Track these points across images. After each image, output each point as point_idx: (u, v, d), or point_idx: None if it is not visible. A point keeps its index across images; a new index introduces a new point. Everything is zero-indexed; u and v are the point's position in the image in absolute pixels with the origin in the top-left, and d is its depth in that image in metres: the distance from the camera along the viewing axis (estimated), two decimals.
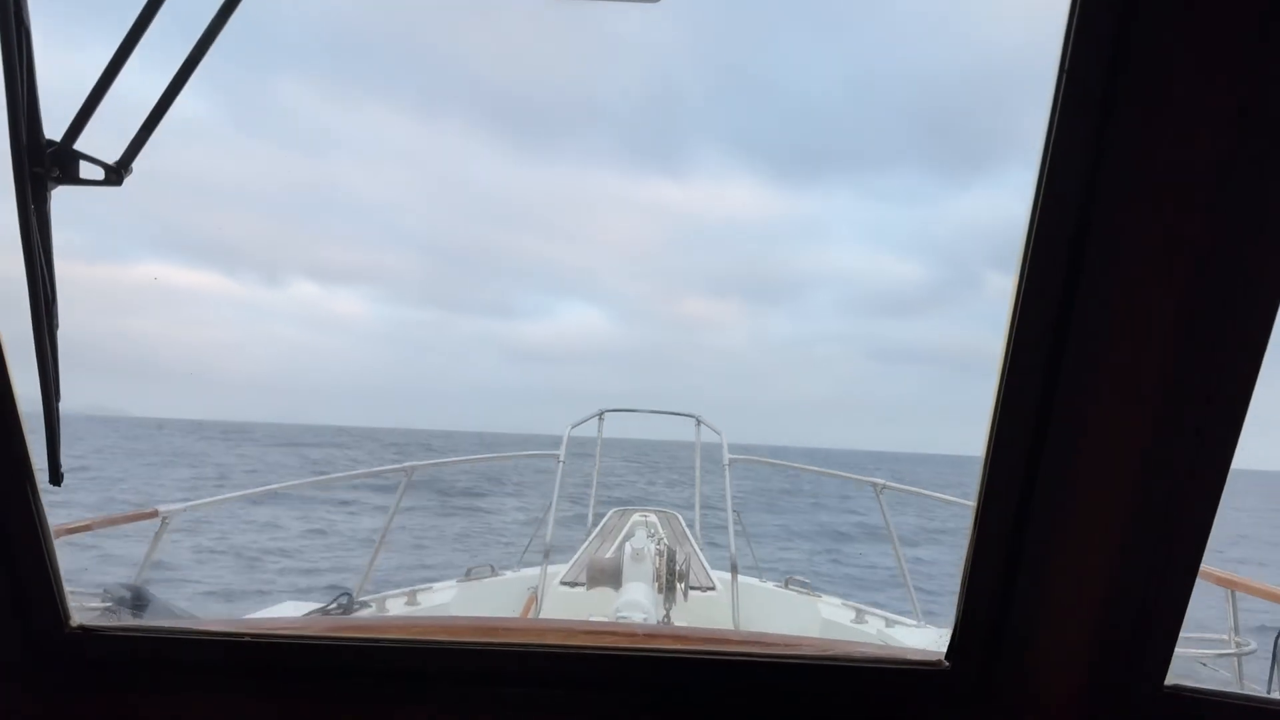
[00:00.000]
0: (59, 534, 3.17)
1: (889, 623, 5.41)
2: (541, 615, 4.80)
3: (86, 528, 3.47)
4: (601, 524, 6.79)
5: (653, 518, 6.44)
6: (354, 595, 4.93)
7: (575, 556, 5.89)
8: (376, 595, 5.33)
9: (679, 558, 4.40)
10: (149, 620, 2.89)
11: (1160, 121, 0.98)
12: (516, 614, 5.46)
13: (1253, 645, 4.41)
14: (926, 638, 4.99)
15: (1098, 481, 1.14)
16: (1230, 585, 4.42)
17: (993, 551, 1.21)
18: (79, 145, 1.16)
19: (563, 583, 5.19)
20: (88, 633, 1.31)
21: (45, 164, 1.14)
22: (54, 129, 1.15)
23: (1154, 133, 0.98)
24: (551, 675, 1.31)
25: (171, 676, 1.32)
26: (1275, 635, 3.99)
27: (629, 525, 6.04)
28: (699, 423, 7.10)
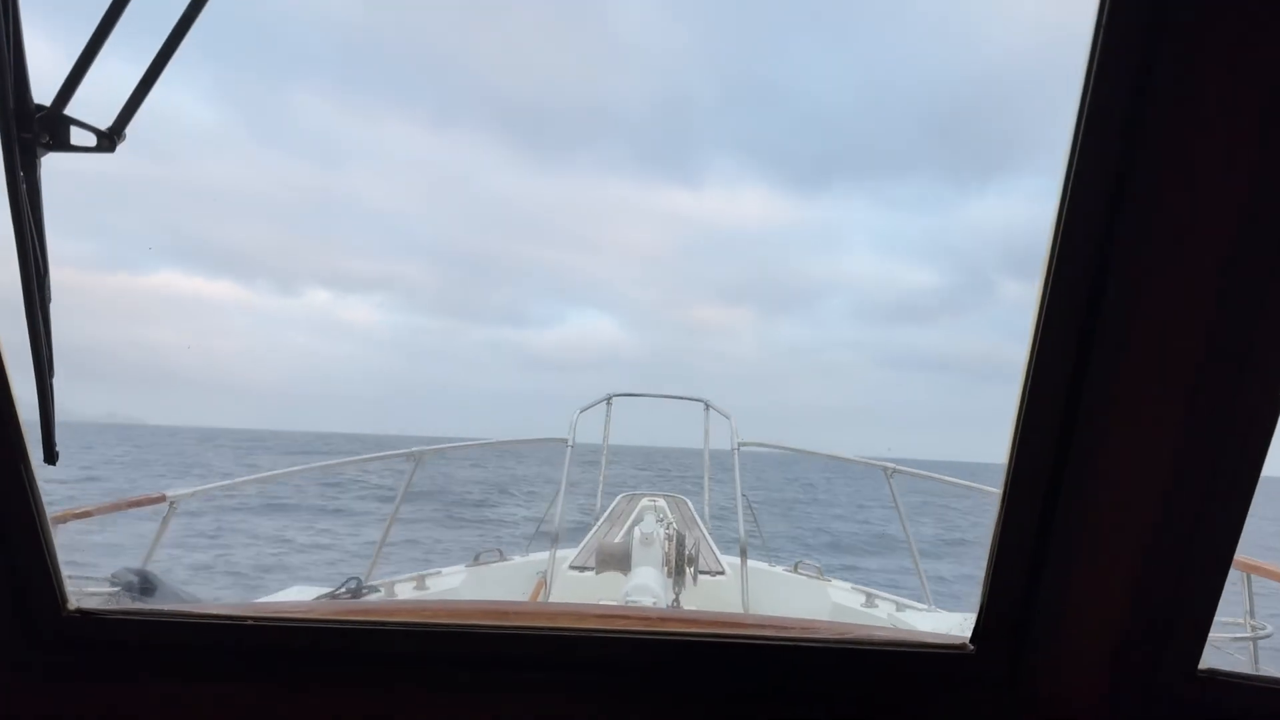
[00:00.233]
0: (63, 519, 3.16)
1: (900, 607, 5.36)
2: (551, 599, 4.77)
3: (88, 514, 3.42)
4: (610, 508, 6.78)
5: (661, 502, 6.41)
6: (363, 580, 4.91)
7: (584, 541, 5.87)
8: (386, 580, 5.31)
9: (688, 542, 4.37)
10: (153, 602, 2.87)
11: (1189, 128, 0.95)
12: (525, 598, 5.42)
13: (1268, 629, 4.35)
14: (938, 622, 4.94)
15: (1127, 465, 1.10)
16: (1246, 569, 4.36)
17: (1020, 532, 1.17)
18: (69, 110, 1.12)
19: (572, 567, 5.17)
20: (86, 617, 1.27)
21: (34, 130, 1.09)
22: (43, 94, 1.11)
23: (1182, 140, 0.96)
24: (563, 659, 1.28)
25: (173, 661, 1.28)
26: None
27: (638, 510, 6.01)
28: (707, 407, 7.04)
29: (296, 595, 4.80)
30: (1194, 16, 0.91)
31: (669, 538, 4.36)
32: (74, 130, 1.14)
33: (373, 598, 4.82)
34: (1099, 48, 0.95)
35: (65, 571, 1.28)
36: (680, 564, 4.22)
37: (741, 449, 5.81)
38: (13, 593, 1.24)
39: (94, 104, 1.16)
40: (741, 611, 4.58)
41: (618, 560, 4.31)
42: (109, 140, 1.16)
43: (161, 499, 3.95)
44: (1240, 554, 1.12)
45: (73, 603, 1.28)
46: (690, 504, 7.12)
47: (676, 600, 4.08)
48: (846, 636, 1.29)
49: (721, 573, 5.23)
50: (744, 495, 5.31)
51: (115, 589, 2.94)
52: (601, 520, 6.40)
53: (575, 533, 6.39)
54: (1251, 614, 4.38)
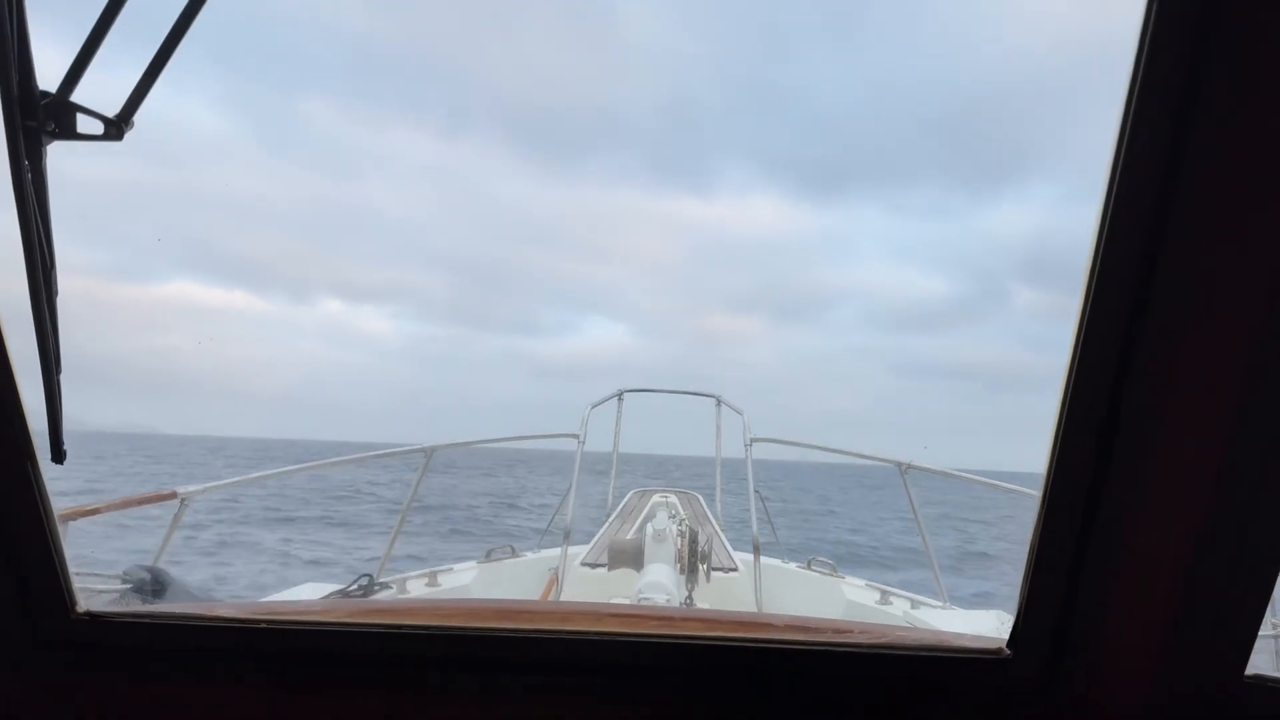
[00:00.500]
0: (71, 516, 3.12)
1: (914, 604, 5.30)
2: (563, 597, 4.74)
3: (95, 511, 3.34)
4: (622, 505, 6.75)
5: (673, 498, 6.40)
6: (375, 577, 4.88)
7: (596, 537, 5.84)
8: (397, 577, 5.27)
9: (701, 538, 4.32)
10: (164, 604, 2.83)
11: (1241, 132, 0.91)
12: (537, 595, 5.40)
13: None
14: (956, 620, 4.87)
15: (1171, 469, 1.06)
16: None
17: (1060, 535, 1.13)
18: (75, 97, 1.08)
19: (584, 564, 5.14)
20: (95, 619, 1.25)
21: (39, 117, 1.06)
22: (49, 81, 1.08)
23: (1233, 139, 0.92)
24: (581, 662, 1.25)
25: (184, 664, 1.26)
26: None
27: (649, 506, 5.98)
28: (719, 403, 7.00)
29: (308, 593, 4.76)
30: (1245, 25, 0.88)
31: (681, 534, 4.31)
32: (80, 119, 1.11)
33: (384, 595, 4.79)
34: (1149, 34, 0.90)
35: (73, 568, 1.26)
36: (693, 561, 4.17)
37: (754, 445, 5.75)
38: (20, 595, 1.21)
39: (101, 94, 1.13)
40: (755, 609, 4.53)
41: (630, 557, 4.27)
42: (116, 128, 1.12)
43: (173, 495, 3.90)
44: None
45: (81, 605, 1.25)
46: (702, 499, 7.08)
47: (690, 597, 4.03)
48: (880, 641, 1.25)
49: (735, 569, 5.18)
50: (756, 492, 5.26)
51: (127, 586, 2.93)
52: (613, 516, 6.38)
53: (587, 529, 6.34)
54: (1274, 611, 4.27)
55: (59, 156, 1.13)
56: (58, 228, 1.12)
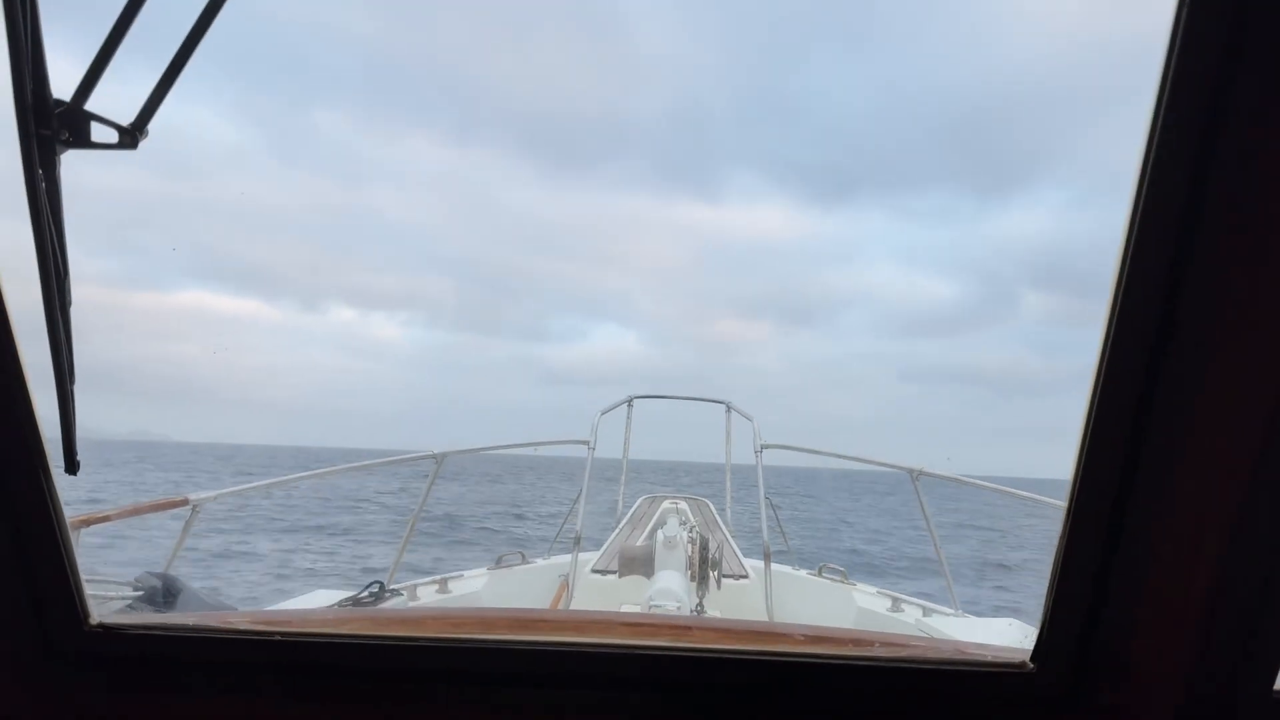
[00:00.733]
0: (79, 525, 3.10)
1: (926, 611, 5.26)
2: (573, 604, 4.73)
3: (106, 518, 3.30)
4: (631, 511, 6.72)
5: (684, 505, 6.33)
6: (385, 584, 4.88)
7: (606, 544, 5.81)
8: (408, 583, 5.27)
9: (711, 545, 4.28)
10: (176, 613, 2.82)
11: (1271, 132, 0.89)
12: (548, 602, 5.39)
13: None
14: (966, 627, 4.84)
15: (1201, 479, 1.04)
16: None
17: (1086, 546, 1.10)
18: (89, 106, 1.08)
19: (594, 570, 5.09)
20: (108, 631, 1.24)
21: (53, 126, 1.05)
22: (63, 90, 1.07)
23: (1263, 144, 0.90)
24: (595, 674, 1.23)
25: (197, 676, 1.25)
26: None
27: (660, 513, 5.93)
28: (729, 409, 6.99)
29: (320, 599, 4.76)
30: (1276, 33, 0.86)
31: (692, 541, 4.29)
32: (95, 127, 1.10)
33: (395, 602, 4.79)
34: (1179, 36, 0.88)
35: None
36: (704, 568, 4.12)
37: (764, 451, 5.73)
38: (34, 607, 1.20)
39: (114, 103, 1.12)
40: (766, 617, 4.51)
41: (640, 563, 4.25)
42: (130, 137, 1.12)
43: (184, 502, 3.87)
44: None
45: (95, 616, 1.24)
46: (712, 506, 7.05)
47: (700, 605, 3.98)
48: (900, 654, 1.23)
49: (745, 576, 5.15)
50: (767, 499, 5.23)
51: (139, 593, 2.91)
52: (623, 523, 6.34)
53: (597, 535, 6.31)
54: None
55: (73, 165, 1.13)
56: (71, 236, 1.12)
